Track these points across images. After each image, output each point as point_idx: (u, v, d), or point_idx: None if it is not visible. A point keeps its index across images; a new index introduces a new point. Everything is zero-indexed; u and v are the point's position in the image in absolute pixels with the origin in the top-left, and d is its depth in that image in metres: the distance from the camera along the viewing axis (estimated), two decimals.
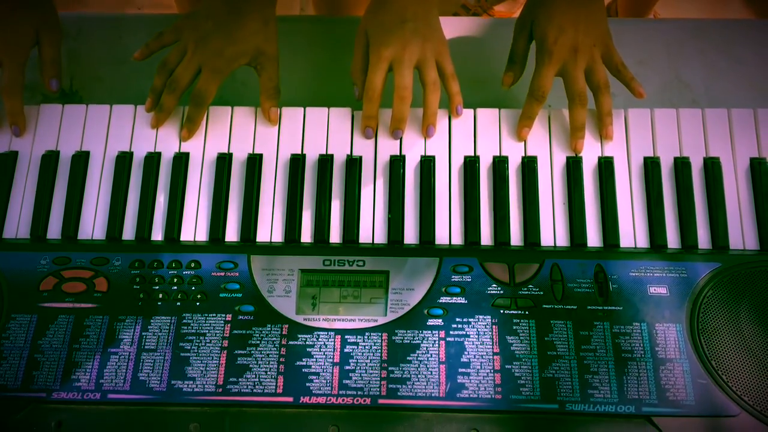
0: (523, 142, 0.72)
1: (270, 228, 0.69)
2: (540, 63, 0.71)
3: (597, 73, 0.71)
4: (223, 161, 0.71)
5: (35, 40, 0.73)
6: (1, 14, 0.70)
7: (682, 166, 0.70)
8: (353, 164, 0.71)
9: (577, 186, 0.69)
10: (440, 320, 0.62)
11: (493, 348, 0.61)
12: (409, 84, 0.70)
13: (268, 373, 0.61)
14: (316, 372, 0.61)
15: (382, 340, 0.62)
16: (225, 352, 0.62)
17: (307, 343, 0.62)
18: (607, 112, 0.71)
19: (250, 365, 0.61)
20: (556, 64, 0.70)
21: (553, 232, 0.68)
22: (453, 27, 0.85)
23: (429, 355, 0.61)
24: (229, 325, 0.63)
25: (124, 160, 0.71)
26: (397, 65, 0.70)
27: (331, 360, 0.61)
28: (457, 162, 0.71)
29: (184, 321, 0.63)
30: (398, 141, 0.72)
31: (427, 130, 0.72)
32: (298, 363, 0.61)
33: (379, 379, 0.60)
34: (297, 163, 0.71)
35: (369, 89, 0.70)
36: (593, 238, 0.68)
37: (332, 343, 0.62)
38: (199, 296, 0.64)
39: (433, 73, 0.71)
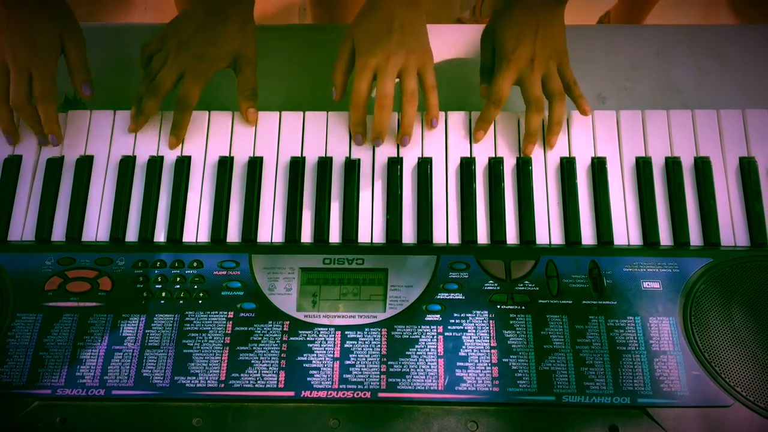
0: (519, 147, 0.73)
1: (271, 228, 0.70)
2: (498, 71, 0.73)
3: (552, 83, 0.72)
4: (225, 164, 0.72)
5: (61, 48, 0.72)
6: (24, 24, 0.69)
7: (673, 165, 0.71)
8: (352, 166, 0.72)
9: (570, 185, 0.71)
10: (438, 316, 0.64)
11: (490, 342, 0.62)
12: (390, 93, 0.70)
13: (270, 368, 0.62)
14: (317, 367, 0.62)
15: (381, 335, 0.63)
16: (227, 348, 0.63)
17: (307, 339, 0.63)
18: (557, 120, 0.72)
19: (252, 361, 0.62)
20: (513, 72, 0.72)
21: (548, 230, 0.70)
22: (451, 34, 0.86)
23: (428, 350, 0.62)
24: (231, 322, 0.64)
25: (127, 164, 0.73)
26: (380, 74, 0.71)
27: (331, 355, 0.62)
28: (454, 163, 0.73)
29: (187, 319, 0.64)
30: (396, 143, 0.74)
31: (401, 139, 0.72)
32: (299, 358, 0.62)
33: (378, 373, 0.61)
34: (297, 165, 0.72)
35: (355, 96, 0.71)
36: (587, 236, 0.69)
37: (332, 338, 0.63)
38: (201, 294, 0.65)
39: (412, 83, 0.71)
